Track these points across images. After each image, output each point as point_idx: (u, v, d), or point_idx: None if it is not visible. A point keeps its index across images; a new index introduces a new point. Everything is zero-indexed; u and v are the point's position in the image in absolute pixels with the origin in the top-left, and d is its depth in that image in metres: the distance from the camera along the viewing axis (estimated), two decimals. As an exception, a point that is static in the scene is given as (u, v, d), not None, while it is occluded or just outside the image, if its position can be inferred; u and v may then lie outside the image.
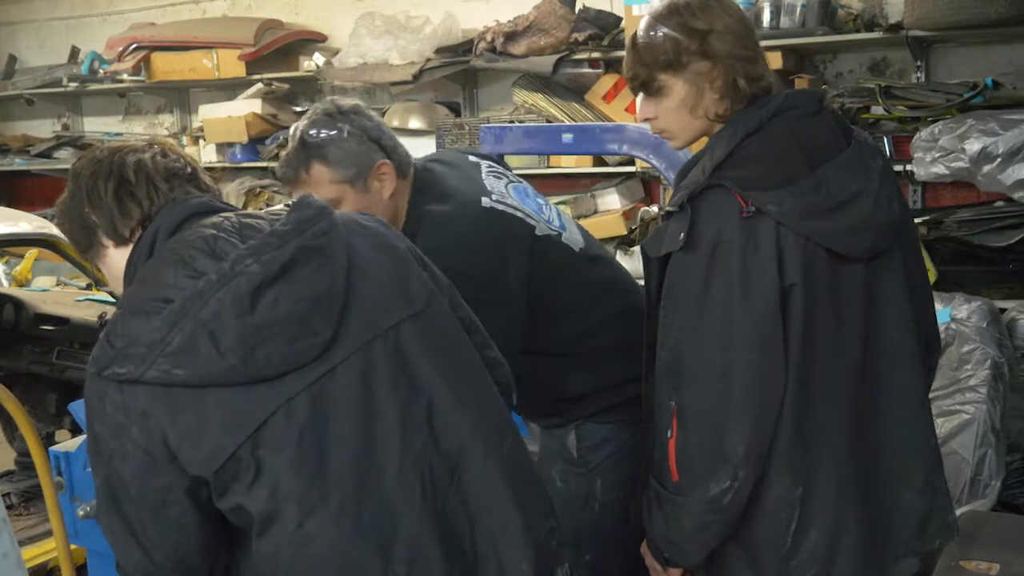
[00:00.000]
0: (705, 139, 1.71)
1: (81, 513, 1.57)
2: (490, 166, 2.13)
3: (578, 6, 4.74)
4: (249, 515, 1.35)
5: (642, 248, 1.70)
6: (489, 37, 4.80)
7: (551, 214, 2.11)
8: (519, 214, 2.01)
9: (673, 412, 1.59)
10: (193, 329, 1.31)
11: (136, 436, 1.33)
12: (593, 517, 2.14)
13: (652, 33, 1.65)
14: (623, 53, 4.98)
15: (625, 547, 2.20)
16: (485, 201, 1.97)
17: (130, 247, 1.47)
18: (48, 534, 2.41)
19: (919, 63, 4.16)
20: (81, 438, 1.74)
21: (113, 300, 3.20)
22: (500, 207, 1.98)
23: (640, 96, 1.71)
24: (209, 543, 1.41)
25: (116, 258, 1.50)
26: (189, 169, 1.53)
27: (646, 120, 1.72)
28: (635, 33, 1.69)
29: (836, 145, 1.64)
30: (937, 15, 3.68)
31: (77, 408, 1.49)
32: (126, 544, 1.39)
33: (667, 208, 1.64)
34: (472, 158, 2.15)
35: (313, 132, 1.90)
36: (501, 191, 2.04)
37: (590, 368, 2.11)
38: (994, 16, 3.57)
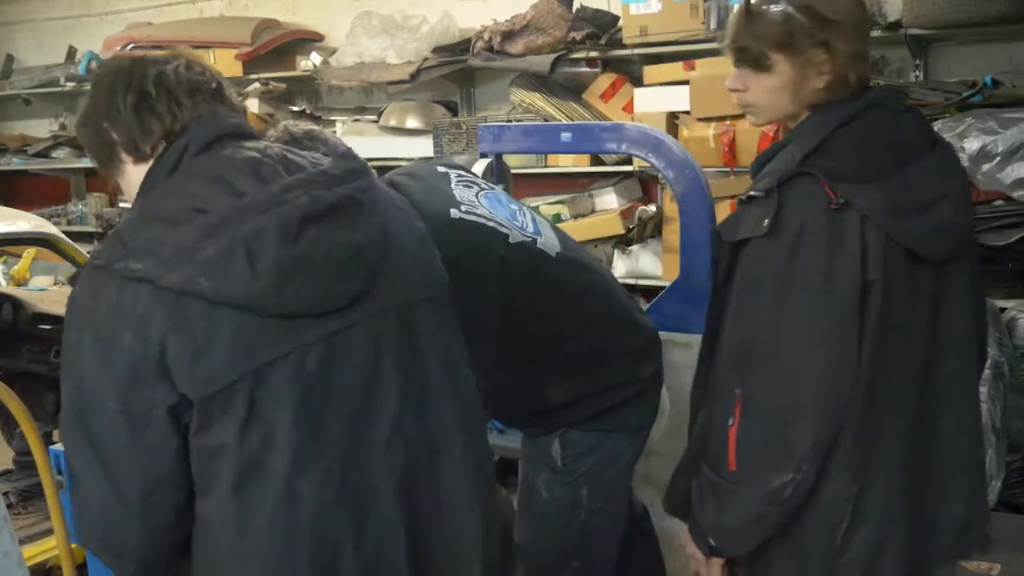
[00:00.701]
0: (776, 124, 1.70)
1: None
2: (459, 175, 2.12)
3: (575, 5, 4.74)
4: (227, 460, 1.27)
5: (717, 232, 1.67)
6: (487, 36, 4.79)
7: (525, 220, 2.10)
8: (490, 223, 1.99)
9: (737, 400, 1.56)
10: (231, 242, 1.26)
11: (128, 342, 1.25)
12: (580, 525, 2.14)
13: (773, 6, 1.58)
14: (620, 52, 4.97)
15: (612, 553, 2.21)
16: (454, 213, 1.96)
17: (150, 163, 1.40)
18: (47, 533, 2.40)
19: (918, 61, 4.16)
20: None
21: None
22: (470, 218, 1.97)
23: (737, 66, 1.65)
24: (182, 479, 1.31)
25: (134, 174, 1.43)
26: (214, 84, 1.44)
27: (734, 90, 1.67)
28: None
29: (922, 146, 1.62)
30: (936, 13, 3.68)
31: None
32: (90, 470, 1.30)
33: (750, 193, 1.60)
34: (441, 168, 2.13)
35: None
36: (471, 200, 2.02)
37: (571, 375, 2.10)
38: (993, 14, 3.56)
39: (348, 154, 1.46)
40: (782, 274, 1.53)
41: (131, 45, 5.80)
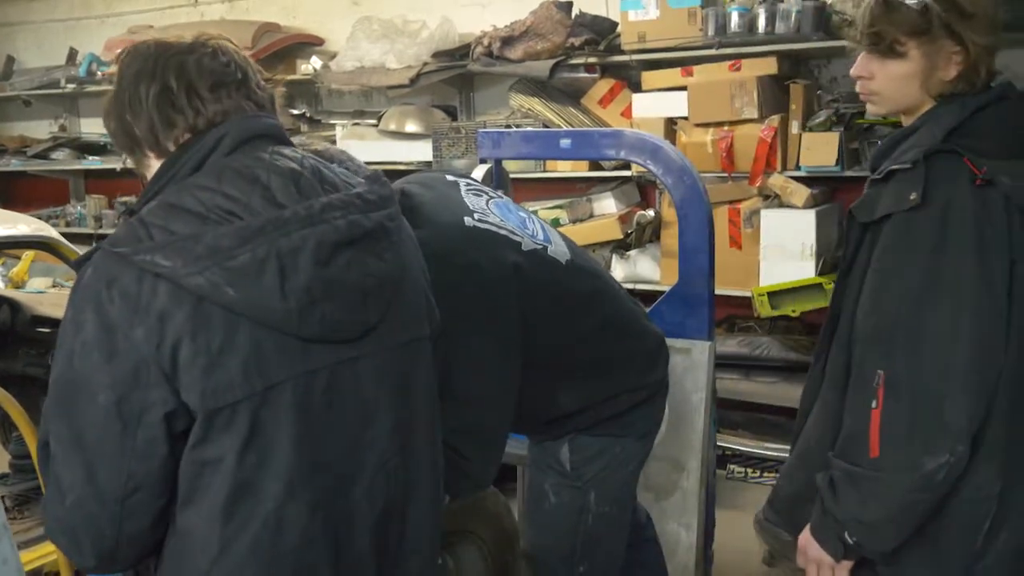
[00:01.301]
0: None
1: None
2: (468, 184, 2.12)
3: (574, 11, 4.75)
4: (221, 476, 1.23)
5: (849, 212, 1.66)
6: (486, 42, 4.81)
7: (535, 227, 2.11)
8: (503, 231, 1.99)
9: (881, 381, 1.51)
10: (266, 255, 1.22)
11: (138, 337, 1.20)
12: (587, 529, 2.15)
13: None
14: (619, 58, 4.98)
15: (618, 558, 2.22)
16: (467, 221, 1.96)
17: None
18: (44, 538, 2.40)
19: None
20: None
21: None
22: (483, 226, 1.97)
23: (866, 52, 1.65)
24: (163, 486, 1.26)
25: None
26: (240, 75, 1.38)
27: (859, 78, 1.67)
28: None
29: None
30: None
31: None
32: (69, 457, 1.24)
33: (891, 168, 1.59)
34: (450, 177, 2.13)
35: None
36: (483, 208, 2.02)
37: (581, 381, 2.11)
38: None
39: (378, 178, 1.44)
40: (932, 248, 1.50)
41: (131, 48, 5.82)
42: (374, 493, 1.36)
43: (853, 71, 1.68)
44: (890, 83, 1.64)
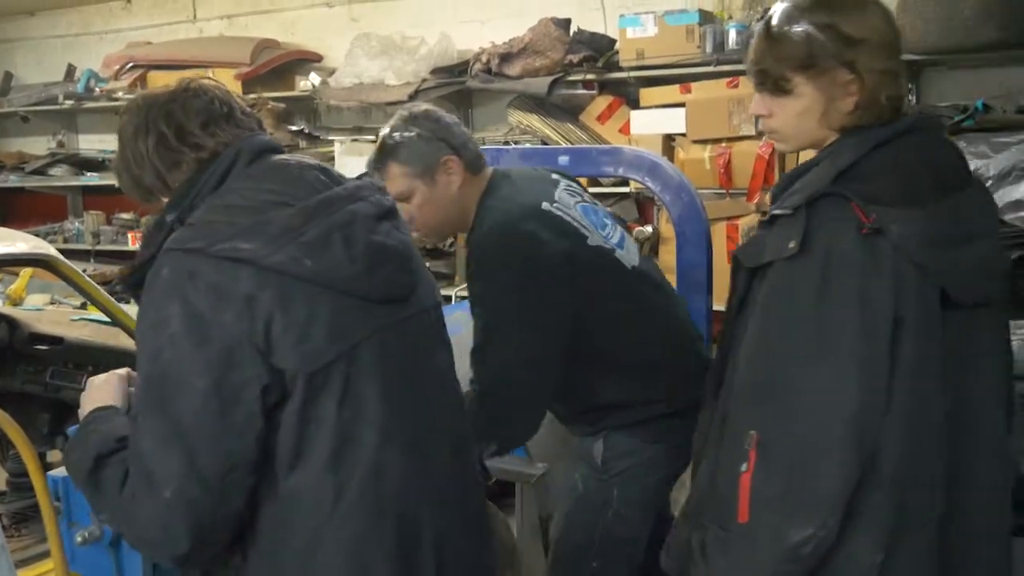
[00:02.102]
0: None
1: (80, 539, 1.55)
2: (568, 184, 2.25)
3: (573, 28, 4.78)
4: (324, 433, 1.34)
5: (735, 256, 1.54)
6: (485, 58, 4.82)
7: (612, 232, 2.21)
8: (574, 223, 2.10)
9: (753, 443, 1.39)
10: (328, 228, 1.37)
11: (229, 321, 1.30)
12: (606, 524, 2.21)
13: (793, 26, 1.47)
14: (617, 75, 4.97)
15: (632, 569, 2.24)
16: (544, 205, 2.07)
17: None
18: (41, 556, 2.39)
19: (911, 86, 4.19)
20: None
21: (108, 320, 3.19)
22: (557, 212, 2.08)
23: (759, 90, 1.55)
24: (255, 464, 1.34)
25: None
26: (224, 108, 1.49)
27: (758, 116, 1.57)
28: (769, 20, 1.51)
29: (961, 178, 1.49)
30: (929, 40, 3.71)
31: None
32: (165, 449, 1.29)
33: (773, 212, 1.48)
34: (554, 175, 2.26)
35: (388, 136, 2.12)
36: (567, 202, 2.14)
37: (623, 380, 2.18)
38: (984, 40, 3.60)
39: (362, 177, 1.60)
40: (811, 301, 1.38)
41: (130, 64, 5.84)
42: (436, 439, 1.51)
43: (751, 109, 1.59)
44: (788, 121, 1.52)
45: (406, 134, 2.09)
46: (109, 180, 5.98)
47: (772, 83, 1.50)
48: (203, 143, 1.45)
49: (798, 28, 1.46)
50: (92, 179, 6.25)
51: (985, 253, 1.45)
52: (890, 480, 1.36)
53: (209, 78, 1.56)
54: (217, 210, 1.38)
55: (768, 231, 1.47)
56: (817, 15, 1.45)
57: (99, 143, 6.65)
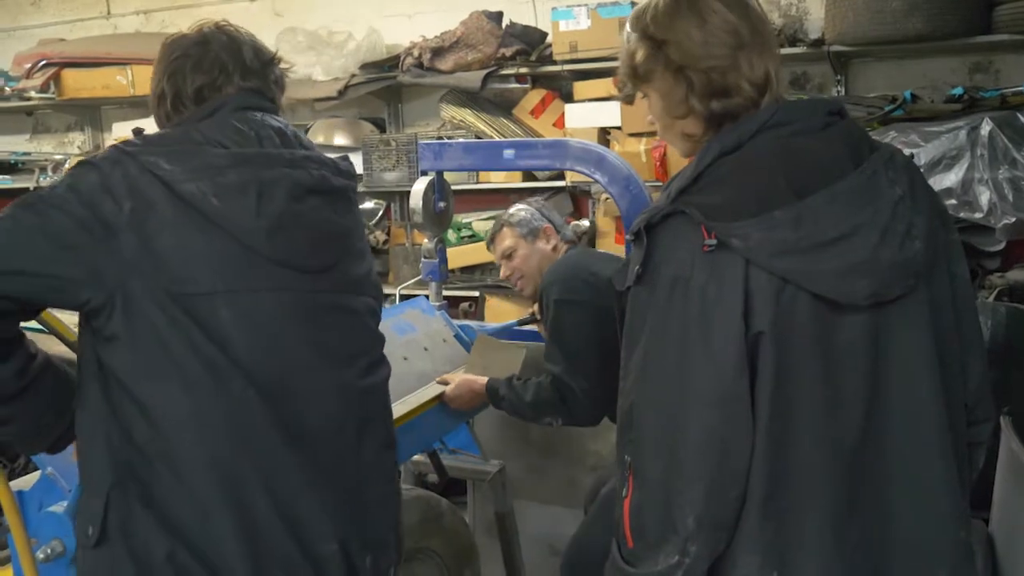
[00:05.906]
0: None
1: (42, 556, 1.48)
2: None
3: (505, 21, 4.75)
4: (186, 358, 1.40)
5: (609, 280, 1.48)
6: (416, 53, 4.77)
7: None
8: None
9: (629, 468, 1.37)
10: (250, 179, 1.45)
11: (107, 209, 1.38)
12: None
13: (625, 37, 1.49)
14: (550, 68, 4.96)
15: None
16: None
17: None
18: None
19: (839, 77, 4.29)
20: (36, 475, 1.65)
21: (44, 329, 3.04)
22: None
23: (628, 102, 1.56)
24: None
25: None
26: (231, 66, 1.61)
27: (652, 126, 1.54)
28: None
29: (840, 169, 1.35)
30: (858, 31, 3.80)
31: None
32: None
33: (628, 236, 1.43)
34: None
35: (513, 213, 2.86)
36: None
37: None
38: (912, 32, 3.70)
39: (347, 158, 1.69)
40: (656, 328, 1.33)
41: (43, 62, 5.61)
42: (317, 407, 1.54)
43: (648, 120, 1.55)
44: (660, 129, 1.49)
45: (522, 214, 2.82)
46: (23, 183, 5.74)
47: (625, 97, 1.54)
48: (190, 111, 1.59)
49: (627, 38, 1.48)
50: (5, 182, 5.98)
51: (865, 248, 1.31)
52: (763, 499, 1.30)
53: (229, 23, 1.69)
54: (171, 135, 1.52)
55: (631, 252, 1.43)
56: (635, 23, 1.46)
57: (10, 144, 6.37)
